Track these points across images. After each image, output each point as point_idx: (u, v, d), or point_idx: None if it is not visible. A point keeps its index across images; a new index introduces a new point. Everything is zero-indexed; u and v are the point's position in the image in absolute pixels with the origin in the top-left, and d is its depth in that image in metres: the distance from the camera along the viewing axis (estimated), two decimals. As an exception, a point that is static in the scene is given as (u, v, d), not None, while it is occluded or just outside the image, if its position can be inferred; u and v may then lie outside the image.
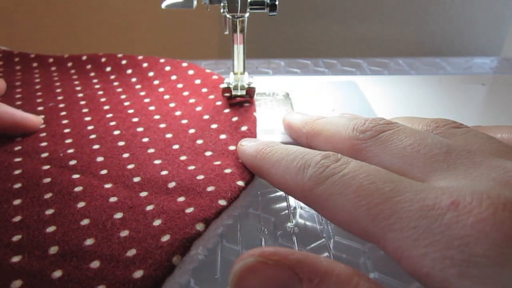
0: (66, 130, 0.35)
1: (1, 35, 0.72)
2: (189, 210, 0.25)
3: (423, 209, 0.17)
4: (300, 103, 0.40)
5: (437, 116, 0.27)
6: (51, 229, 0.24)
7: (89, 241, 0.23)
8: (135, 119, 0.36)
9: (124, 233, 0.24)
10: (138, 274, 0.21)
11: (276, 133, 0.34)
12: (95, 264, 0.22)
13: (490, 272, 0.15)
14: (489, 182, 0.18)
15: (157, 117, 0.36)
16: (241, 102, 0.37)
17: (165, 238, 0.23)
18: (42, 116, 0.37)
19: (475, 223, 0.16)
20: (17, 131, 0.34)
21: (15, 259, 0.22)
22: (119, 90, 0.42)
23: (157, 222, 0.24)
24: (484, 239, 0.16)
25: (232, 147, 0.31)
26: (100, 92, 0.41)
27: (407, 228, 0.17)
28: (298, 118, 0.31)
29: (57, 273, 0.21)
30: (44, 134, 0.34)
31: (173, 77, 0.42)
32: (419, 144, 0.22)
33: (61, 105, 0.39)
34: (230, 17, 0.34)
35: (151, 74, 0.43)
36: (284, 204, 0.30)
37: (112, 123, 0.35)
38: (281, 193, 0.31)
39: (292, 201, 0.30)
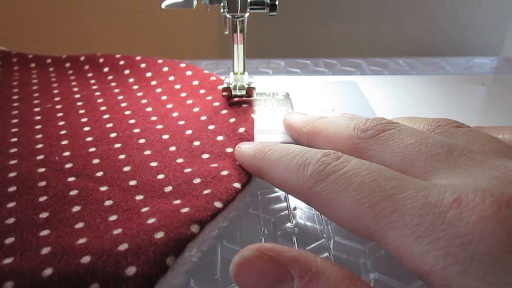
0: (62, 132, 0.35)
1: (0, 35, 0.72)
2: (184, 210, 0.24)
3: (426, 206, 0.17)
4: (300, 103, 0.40)
5: (437, 116, 0.27)
6: (45, 232, 0.24)
7: (81, 240, 0.23)
8: (132, 121, 0.36)
9: (117, 231, 0.23)
10: (131, 271, 0.20)
11: (276, 133, 0.34)
12: (86, 259, 0.21)
13: (493, 270, 0.15)
14: (491, 180, 0.18)
15: (154, 118, 0.36)
16: (240, 102, 0.37)
17: (159, 235, 0.22)
18: None
19: (478, 220, 0.16)
20: None
21: (7, 261, 0.22)
22: (117, 91, 0.41)
23: (151, 220, 0.24)
24: (487, 237, 0.15)
25: (229, 149, 0.31)
26: (98, 93, 0.41)
27: (409, 225, 0.17)
28: (299, 118, 0.31)
29: (48, 271, 0.21)
30: (40, 135, 0.34)
31: (171, 78, 0.42)
32: (420, 144, 0.22)
33: (58, 106, 0.39)
34: (230, 17, 0.34)
35: (148, 74, 0.43)
36: (284, 204, 0.30)
37: (109, 125, 0.35)
38: (281, 193, 0.31)
39: (292, 201, 0.30)
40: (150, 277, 0.20)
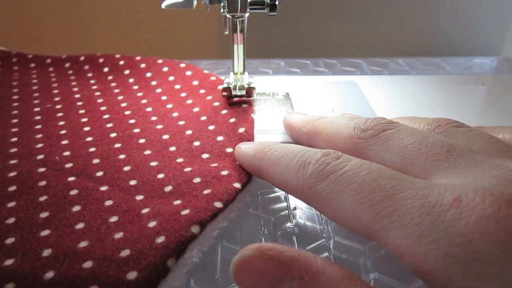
0: (63, 132, 0.35)
1: (0, 35, 0.72)
2: (185, 212, 0.24)
3: (426, 205, 0.17)
4: (300, 103, 0.40)
5: (437, 116, 0.27)
6: (45, 232, 0.24)
7: (82, 244, 0.23)
8: (132, 121, 0.36)
9: (119, 235, 0.23)
10: (132, 275, 0.20)
11: (276, 133, 0.34)
12: (88, 264, 0.21)
13: (494, 270, 0.15)
14: (491, 179, 0.18)
15: (154, 118, 0.36)
16: (240, 102, 0.37)
17: (160, 239, 0.22)
18: None
19: (478, 220, 0.16)
20: None
21: (8, 262, 0.22)
22: (117, 91, 0.41)
23: (152, 224, 0.24)
24: (487, 236, 0.15)
25: (229, 149, 0.31)
26: (98, 93, 0.41)
27: (409, 225, 0.17)
28: (299, 118, 0.31)
29: (49, 274, 0.21)
30: (40, 135, 0.34)
31: (171, 78, 0.42)
32: (420, 143, 0.22)
33: (58, 106, 0.39)
34: (230, 17, 0.34)
35: (148, 75, 0.43)
36: (284, 204, 0.30)
37: (109, 125, 0.35)
38: (281, 193, 0.31)
39: (292, 201, 0.30)
40: (151, 281, 0.20)
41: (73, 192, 0.27)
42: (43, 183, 0.28)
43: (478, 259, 0.15)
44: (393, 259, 0.18)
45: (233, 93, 0.37)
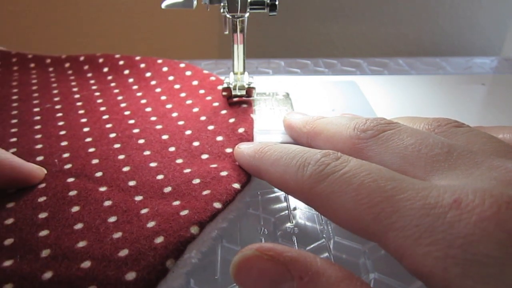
0: (62, 132, 0.34)
1: (0, 35, 0.72)
2: (184, 212, 0.24)
3: (425, 207, 0.17)
4: (300, 103, 0.40)
5: (437, 116, 0.27)
6: (44, 233, 0.24)
7: (81, 244, 0.23)
8: (132, 121, 0.36)
9: (117, 235, 0.23)
10: (131, 276, 0.20)
11: (275, 133, 0.34)
12: (86, 264, 0.21)
13: (494, 271, 0.15)
14: (491, 181, 0.18)
15: (153, 118, 0.36)
16: (239, 102, 0.37)
17: (159, 240, 0.22)
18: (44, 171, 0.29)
19: (478, 221, 0.16)
20: (16, 185, 0.28)
21: (7, 263, 0.22)
22: (116, 91, 0.41)
23: (151, 224, 0.24)
24: (487, 238, 0.15)
25: (228, 150, 0.31)
26: (97, 93, 0.41)
27: (409, 226, 0.17)
28: (299, 118, 0.31)
29: (48, 275, 0.21)
30: (39, 135, 0.34)
31: (171, 78, 0.42)
32: (420, 144, 0.22)
33: (58, 106, 0.39)
34: (230, 17, 0.34)
35: (148, 74, 0.43)
36: (284, 204, 0.30)
37: (108, 125, 0.35)
38: (281, 193, 0.31)
39: (292, 201, 0.30)
40: (150, 281, 0.20)
41: (72, 192, 0.27)
42: (42, 184, 0.28)
43: (478, 260, 0.15)
44: (393, 259, 0.18)
45: (233, 93, 0.37)
